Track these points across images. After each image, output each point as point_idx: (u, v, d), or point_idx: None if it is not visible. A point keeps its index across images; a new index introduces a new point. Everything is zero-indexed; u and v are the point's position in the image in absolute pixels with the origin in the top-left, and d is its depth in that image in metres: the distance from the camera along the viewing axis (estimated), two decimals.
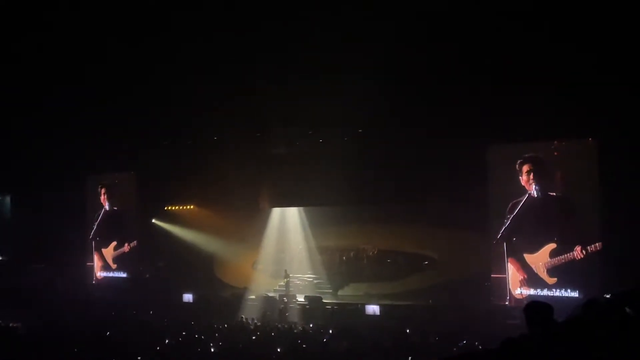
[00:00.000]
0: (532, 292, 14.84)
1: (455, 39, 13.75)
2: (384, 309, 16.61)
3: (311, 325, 16.01)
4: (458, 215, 16.56)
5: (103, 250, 22.73)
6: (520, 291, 15.03)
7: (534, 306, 4.21)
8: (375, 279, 19.60)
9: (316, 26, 14.06)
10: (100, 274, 22.82)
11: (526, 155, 14.89)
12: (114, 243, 22.42)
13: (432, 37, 13.75)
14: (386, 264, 20.01)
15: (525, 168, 14.86)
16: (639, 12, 11.65)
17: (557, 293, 14.43)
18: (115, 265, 22.41)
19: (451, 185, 15.79)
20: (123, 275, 22.14)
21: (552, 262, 14.56)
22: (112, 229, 22.46)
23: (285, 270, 19.86)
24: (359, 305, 17.27)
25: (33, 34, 15.39)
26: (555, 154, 14.67)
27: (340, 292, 19.75)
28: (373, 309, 16.67)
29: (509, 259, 15.26)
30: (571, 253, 14.20)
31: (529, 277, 14.95)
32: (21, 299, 18.21)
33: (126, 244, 21.93)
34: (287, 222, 21.74)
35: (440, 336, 12.96)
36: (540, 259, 14.78)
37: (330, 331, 14.57)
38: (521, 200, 14.99)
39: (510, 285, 15.27)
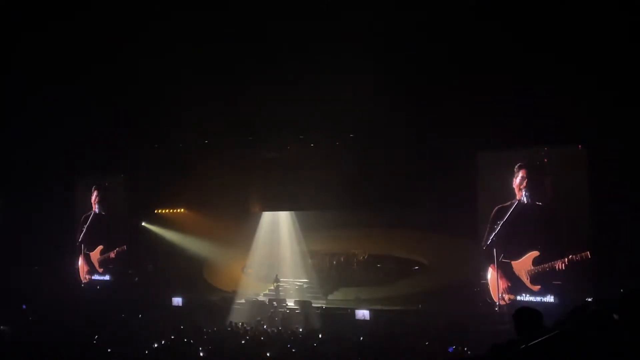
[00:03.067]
0: (515, 298, 14.91)
1: (446, 45, 13.83)
2: (374, 314, 16.60)
3: (301, 330, 15.99)
4: (448, 221, 16.61)
5: (90, 253, 22.57)
6: (503, 297, 15.10)
7: (524, 312, 4.23)
8: (366, 283, 19.61)
9: (307, 32, 14.11)
10: (86, 277, 22.65)
11: (525, 160, 14.95)
12: (101, 247, 22.28)
13: (424, 43, 13.82)
14: (376, 268, 20.03)
15: (521, 173, 14.92)
16: (629, 22, 11.78)
17: (540, 299, 14.48)
18: (102, 269, 22.26)
19: (442, 191, 15.84)
20: (109, 278, 22.00)
21: (535, 270, 14.66)
22: (100, 233, 22.31)
23: (276, 275, 19.82)
24: (349, 310, 17.26)
25: (25, 35, 15.30)
26: (545, 160, 14.77)
27: (330, 297, 19.73)
28: (363, 313, 16.67)
29: (493, 265, 15.33)
30: (554, 262, 14.30)
31: (512, 283, 15.03)
32: (8, 302, 18.02)
33: (113, 250, 21.77)
34: (278, 226, 21.72)
35: (429, 341, 13.00)
36: (523, 266, 14.87)
37: (320, 336, 14.55)
38: (508, 206, 15.08)
39: (492, 291, 15.36)
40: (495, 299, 15.25)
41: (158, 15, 14.27)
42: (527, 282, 14.79)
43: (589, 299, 12.28)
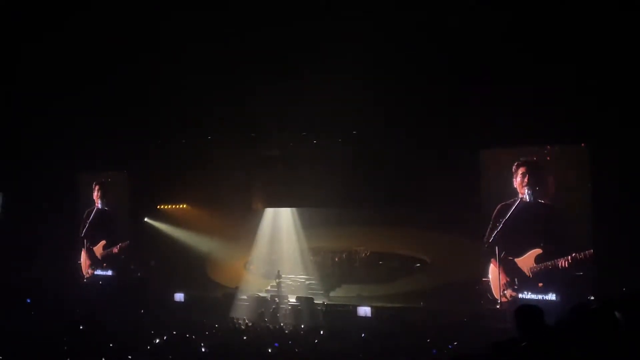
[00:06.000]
0: (517, 295, 14.91)
1: (448, 44, 13.81)
2: (376, 311, 16.64)
3: (302, 327, 16.03)
4: (450, 218, 16.62)
5: (93, 248, 22.64)
6: (505, 294, 15.10)
7: (525, 309, 4.22)
8: (367, 281, 19.61)
9: (310, 29, 14.11)
10: (88, 271, 22.72)
11: (523, 158, 14.94)
12: (103, 242, 22.32)
13: (425, 42, 13.80)
14: (378, 266, 20.04)
15: (521, 170, 14.92)
16: (631, 20, 11.75)
17: (541, 297, 14.48)
18: (105, 264, 22.32)
19: (444, 188, 15.81)
20: (111, 273, 22.05)
21: (537, 268, 14.64)
22: (103, 228, 22.36)
23: (278, 271, 19.86)
24: (351, 307, 17.29)
25: (29, 35, 15.35)
26: (548, 158, 14.76)
27: (332, 294, 19.75)
28: (365, 310, 16.70)
29: (495, 262, 15.33)
30: (557, 260, 14.29)
31: (514, 280, 15.03)
32: (11, 297, 18.08)
33: (116, 246, 21.82)
34: (280, 223, 21.73)
35: (431, 339, 13.01)
36: (525, 263, 14.86)
37: (322, 332, 14.59)
38: (511, 204, 15.07)
39: (494, 288, 15.36)
40: (497, 296, 15.26)
41: (162, 15, 14.29)
42: (529, 279, 14.78)
43: (591, 297, 12.30)
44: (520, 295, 14.81)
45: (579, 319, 3.73)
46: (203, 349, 12.55)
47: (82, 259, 22.88)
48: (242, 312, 17.52)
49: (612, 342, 3.46)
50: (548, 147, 14.72)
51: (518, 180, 14.97)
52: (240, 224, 21.05)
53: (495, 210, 15.29)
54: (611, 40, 12.32)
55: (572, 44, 12.66)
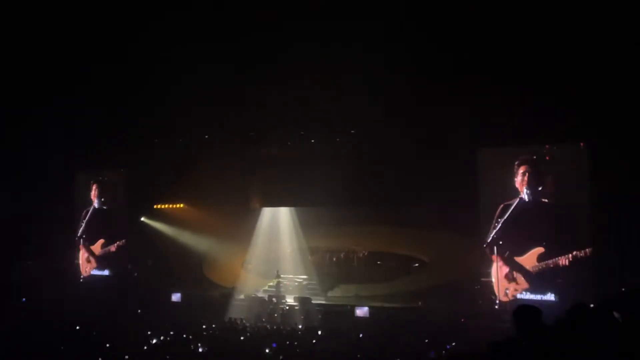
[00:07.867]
0: (518, 295, 14.88)
1: (447, 43, 13.77)
2: (374, 311, 16.60)
3: (300, 326, 15.99)
4: (448, 218, 16.58)
5: (90, 247, 22.56)
6: (507, 293, 15.07)
7: (523, 310, 4.20)
8: (365, 280, 19.57)
9: (309, 28, 14.07)
10: (86, 271, 22.64)
11: (524, 157, 14.90)
12: (102, 241, 22.23)
13: (425, 40, 13.77)
14: (376, 265, 20.01)
15: (522, 169, 14.88)
16: (630, 19, 11.73)
17: (540, 297, 14.46)
18: (102, 264, 22.23)
19: (442, 188, 15.78)
20: (108, 273, 21.97)
21: (539, 267, 14.62)
22: (101, 227, 22.25)
23: (277, 271, 19.81)
24: (349, 307, 17.25)
25: (29, 32, 15.29)
26: (547, 158, 14.72)
27: (330, 294, 19.71)
28: (362, 310, 16.67)
29: (496, 262, 15.28)
30: (558, 259, 14.26)
31: (517, 279, 15.00)
32: (7, 296, 18.02)
33: (114, 244, 21.73)
34: (278, 222, 21.70)
35: (429, 338, 12.98)
36: (527, 262, 14.83)
37: (319, 332, 14.56)
38: (512, 203, 15.03)
39: (496, 287, 15.32)
40: (500, 295, 15.20)
41: (158, 14, 14.25)
42: (530, 278, 14.75)
43: (590, 297, 12.26)
44: (519, 296, 14.78)
45: (577, 319, 3.70)
46: (200, 349, 12.52)
47: (79, 259, 22.80)
48: (239, 312, 17.46)
49: (611, 342, 3.42)
50: (547, 146, 14.68)
51: (519, 179, 14.93)
52: (238, 223, 20.97)
53: (498, 210, 15.24)
54: (611, 39, 12.28)
55: (572, 42, 12.62)
